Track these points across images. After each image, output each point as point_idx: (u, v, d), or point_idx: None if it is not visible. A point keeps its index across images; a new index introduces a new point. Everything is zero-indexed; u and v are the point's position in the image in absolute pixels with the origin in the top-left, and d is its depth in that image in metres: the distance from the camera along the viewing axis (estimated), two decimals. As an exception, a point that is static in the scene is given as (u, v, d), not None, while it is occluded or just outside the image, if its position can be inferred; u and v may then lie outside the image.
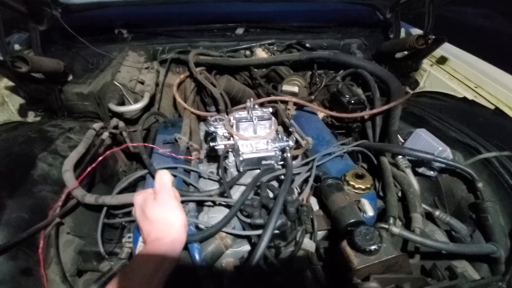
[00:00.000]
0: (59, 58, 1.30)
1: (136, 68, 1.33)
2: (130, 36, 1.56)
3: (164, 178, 0.60)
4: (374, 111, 1.21)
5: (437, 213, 0.92)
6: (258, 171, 0.96)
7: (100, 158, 0.96)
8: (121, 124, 1.23)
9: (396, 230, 0.69)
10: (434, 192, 1.09)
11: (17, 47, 1.37)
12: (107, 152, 1.00)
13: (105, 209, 0.91)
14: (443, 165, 1.01)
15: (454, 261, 0.83)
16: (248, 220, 0.75)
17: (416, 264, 0.80)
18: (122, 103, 1.24)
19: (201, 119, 1.35)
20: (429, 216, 0.98)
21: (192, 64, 1.33)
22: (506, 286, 0.78)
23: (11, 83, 1.22)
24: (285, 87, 1.34)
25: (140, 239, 0.78)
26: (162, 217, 0.57)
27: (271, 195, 0.85)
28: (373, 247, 0.63)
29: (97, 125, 1.19)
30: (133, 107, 1.18)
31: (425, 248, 0.83)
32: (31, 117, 1.31)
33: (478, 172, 0.94)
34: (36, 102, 1.30)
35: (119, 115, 1.24)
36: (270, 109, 1.03)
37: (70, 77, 1.39)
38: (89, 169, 0.94)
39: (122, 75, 1.25)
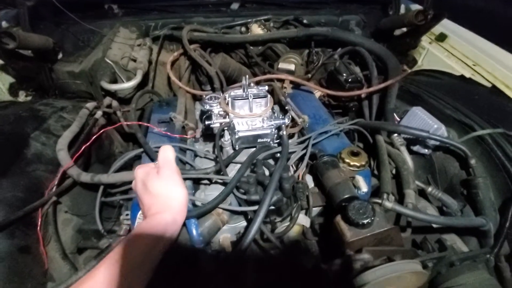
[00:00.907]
0: (48, 35, 1.25)
1: (127, 45, 1.29)
2: (121, 11, 1.50)
3: (168, 153, 0.60)
4: (371, 89, 1.20)
5: (429, 189, 0.93)
6: (254, 149, 0.96)
7: (95, 136, 0.95)
8: (115, 103, 1.21)
9: (389, 204, 0.70)
10: (428, 170, 1.10)
11: (4, 24, 1.32)
12: (102, 131, 0.99)
13: (102, 187, 0.91)
14: (438, 143, 1.02)
15: (444, 235, 0.86)
16: (244, 197, 0.76)
17: (408, 237, 0.82)
18: (114, 81, 1.21)
19: (196, 98, 1.33)
20: (422, 193, 1.00)
21: (186, 40, 1.29)
22: (494, 258, 0.81)
23: (0, 62, 1.19)
24: (282, 65, 1.32)
25: (139, 213, 0.79)
26: (164, 191, 0.57)
27: (267, 172, 0.86)
28: (365, 221, 0.65)
29: (90, 104, 1.17)
30: (125, 85, 1.15)
31: (416, 222, 0.86)
32: (22, 96, 1.28)
33: (472, 149, 0.95)
34: (26, 81, 1.27)
35: (112, 94, 1.21)
36: (266, 87, 1.02)
37: (60, 55, 1.35)
38: (83, 147, 0.93)
39: (113, 52, 1.21)
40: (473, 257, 0.78)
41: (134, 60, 1.24)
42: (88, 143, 0.94)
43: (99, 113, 1.11)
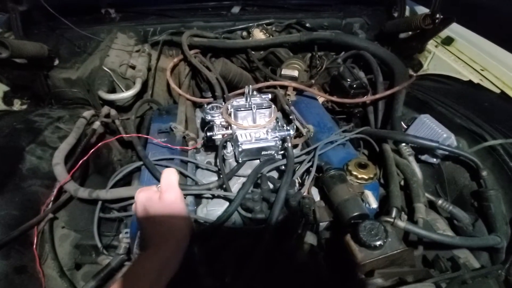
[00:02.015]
0: (42, 41, 1.22)
1: (126, 51, 1.25)
2: (118, 16, 1.46)
3: (171, 177, 0.57)
4: (377, 96, 1.16)
5: (440, 202, 0.91)
6: (257, 161, 0.93)
7: (92, 150, 0.92)
8: (113, 112, 1.18)
9: (401, 224, 0.67)
10: (436, 180, 1.07)
11: (-4, 29, 1.28)
12: (100, 144, 0.96)
13: (100, 203, 0.88)
14: (447, 153, 0.99)
15: (456, 250, 0.83)
16: (249, 215, 0.73)
17: (419, 254, 0.79)
18: (112, 89, 1.18)
19: (197, 105, 1.29)
20: (430, 204, 0.97)
21: (186, 46, 1.25)
22: (505, 274, 0.78)
23: (-8, 70, 1.15)
24: (285, 71, 1.28)
25: (139, 232, 0.76)
26: (167, 219, 0.54)
27: (271, 186, 0.82)
28: (378, 243, 0.62)
29: (87, 113, 1.13)
30: (124, 95, 1.11)
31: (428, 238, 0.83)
32: (17, 105, 1.25)
33: (483, 159, 0.92)
34: (21, 90, 1.23)
35: (111, 103, 1.18)
36: (269, 96, 0.98)
37: (56, 62, 1.31)
38: (81, 162, 0.89)
39: (111, 60, 1.18)
40: (486, 274, 0.75)
41: (133, 67, 1.20)
42: (85, 157, 0.90)
43: (97, 123, 1.08)
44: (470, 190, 0.95)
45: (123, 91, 1.15)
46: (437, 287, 0.68)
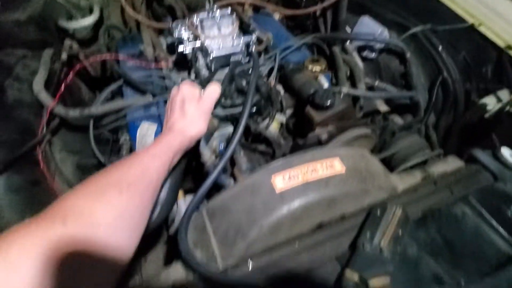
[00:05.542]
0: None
1: (73, -20, 1.20)
2: None
3: (216, 92, 0.69)
4: (324, 4, 1.30)
5: (376, 83, 1.14)
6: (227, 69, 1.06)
7: (74, 72, 0.97)
8: (75, 45, 1.18)
9: (344, 89, 0.88)
10: (376, 72, 1.30)
11: None
12: (77, 66, 1.00)
13: (92, 121, 0.97)
14: (382, 46, 1.20)
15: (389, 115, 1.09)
16: (229, 102, 0.88)
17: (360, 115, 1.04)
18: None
19: (158, 32, 1.33)
20: (371, 88, 1.20)
21: (136, -30, 1.23)
22: (425, 128, 1.07)
23: None
24: (239, -11, 1.34)
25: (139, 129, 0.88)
26: (196, 117, 0.65)
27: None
28: (329, 102, 0.82)
29: (49, 50, 1.13)
30: (86, 21, 1.12)
31: (367, 108, 1.07)
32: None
33: (408, 45, 1.14)
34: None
35: (71, 36, 1.17)
36: (229, 9, 1.07)
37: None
38: (63, 85, 0.95)
39: (61, -11, 1.13)
40: (408, 125, 1.03)
41: (85, -4, 1.17)
42: (70, 79, 0.96)
43: (64, 54, 1.09)
44: (400, 72, 1.19)
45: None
46: (372, 131, 0.92)
